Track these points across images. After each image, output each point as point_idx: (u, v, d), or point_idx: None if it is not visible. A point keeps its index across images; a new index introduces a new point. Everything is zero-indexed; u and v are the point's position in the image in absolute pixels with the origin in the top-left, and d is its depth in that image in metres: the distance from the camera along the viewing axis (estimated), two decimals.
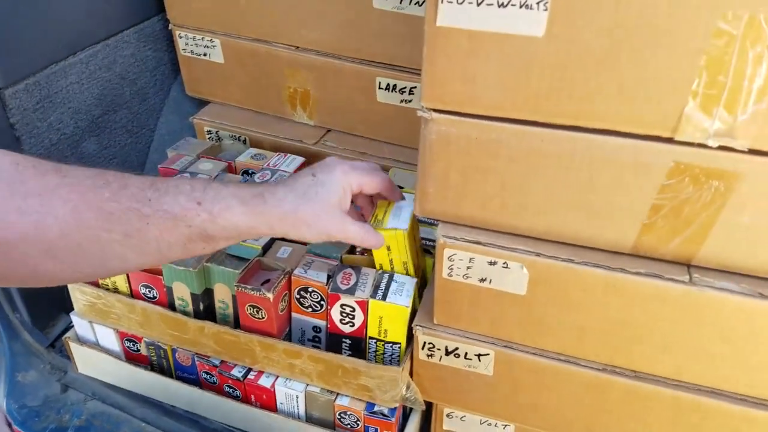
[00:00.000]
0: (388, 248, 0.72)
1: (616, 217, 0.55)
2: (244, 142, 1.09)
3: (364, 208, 0.73)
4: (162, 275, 0.80)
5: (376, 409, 0.76)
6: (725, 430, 0.62)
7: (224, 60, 1.06)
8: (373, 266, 0.75)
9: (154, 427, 0.91)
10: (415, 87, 0.93)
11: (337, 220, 0.61)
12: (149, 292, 0.83)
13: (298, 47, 0.99)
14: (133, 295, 0.85)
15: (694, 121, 0.48)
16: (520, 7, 0.47)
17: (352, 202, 0.66)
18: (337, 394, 0.78)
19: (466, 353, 0.69)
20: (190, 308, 0.81)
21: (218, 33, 1.04)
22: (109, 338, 0.91)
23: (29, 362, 1.01)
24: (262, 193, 0.58)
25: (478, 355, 0.68)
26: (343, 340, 0.75)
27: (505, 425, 0.76)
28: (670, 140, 0.50)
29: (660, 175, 0.52)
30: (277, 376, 0.81)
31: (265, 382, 0.81)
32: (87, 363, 0.95)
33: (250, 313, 0.76)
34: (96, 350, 0.92)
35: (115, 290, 0.85)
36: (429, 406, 0.79)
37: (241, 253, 0.79)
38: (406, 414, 0.82)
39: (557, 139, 0.53)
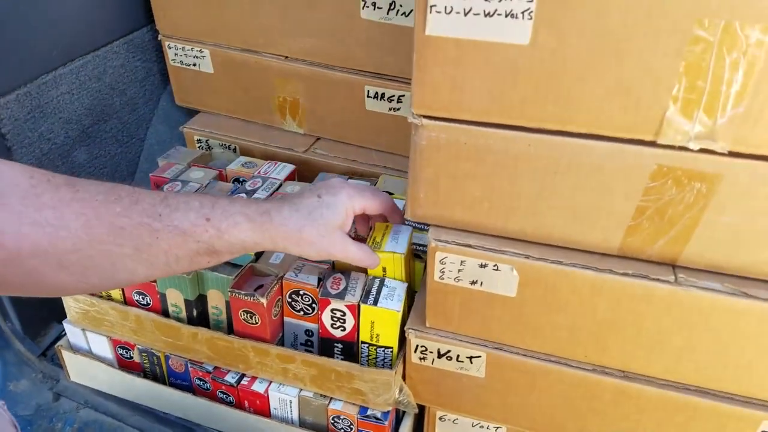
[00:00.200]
0: (384, 270, 0.74)
1: (602, 219, 0.56)
2: (234, 150, 1.09)
3: (359, 225, 0.75)
4: (155, 282, 0.80)
5: (369, 412, 0.76)
6: (713, 429, 0.63)
7: (213, 70, 1.07)
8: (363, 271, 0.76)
9: None
10: (403, 95, 0.94)
11: (339, 241, 0.63)
12: (143, 299, 0.83)
13: (287, 57, 1.00)
14: (126, 302, 0.85)
15: (675, 125, 0.50)
16: (506, 16, 0.49)
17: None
18: (331, 398, 0.79)
19: (458, 356, 0.70)
20: (183, 314, 0.82)
21: (207, 43, 1.05)
22: (101, 346, 0.92)
23: (21, 371, 1.01)
24: (269, 211, 0.59)
25: (470, 358, 0.69)
26: (335, 344, 0.76)
27: (497, 427, 0.77)
28: (652, 144, 0.51)
29: (644, 177, 0.53)
30: (271, 382, 0.81)
31: (258, 387, 0.81)
32: (79, 371, 0.95)
33: (244, 319, 0.76)
34: (89, 358, 0.92)
35: (109, 298, 0.85)
36: (422, 409, 0.80)
37: (234, 260, 0.79)
38: (399, 417, 0.83)
39: (544, 143, 0.54)
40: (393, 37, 0.89)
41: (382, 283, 0.73)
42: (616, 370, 0.65)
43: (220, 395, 0.86)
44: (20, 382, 1.00)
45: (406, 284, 0.73)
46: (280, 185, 0.93)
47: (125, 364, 0.92)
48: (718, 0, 0.44)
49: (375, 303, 0.70)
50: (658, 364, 0.62)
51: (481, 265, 0.62)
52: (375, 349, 0.74)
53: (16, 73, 0.90)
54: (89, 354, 0.93)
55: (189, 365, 0.86)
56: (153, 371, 0.91)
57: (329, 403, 0.78)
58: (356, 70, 0.96)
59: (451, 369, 0.71)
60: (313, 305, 0.75)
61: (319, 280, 0.74)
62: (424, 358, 0.72)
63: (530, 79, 0.51)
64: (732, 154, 0.50)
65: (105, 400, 0.94)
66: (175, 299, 0.81)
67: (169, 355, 0.86)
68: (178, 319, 0.82)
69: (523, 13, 0.48)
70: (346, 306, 0.72)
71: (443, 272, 0.64)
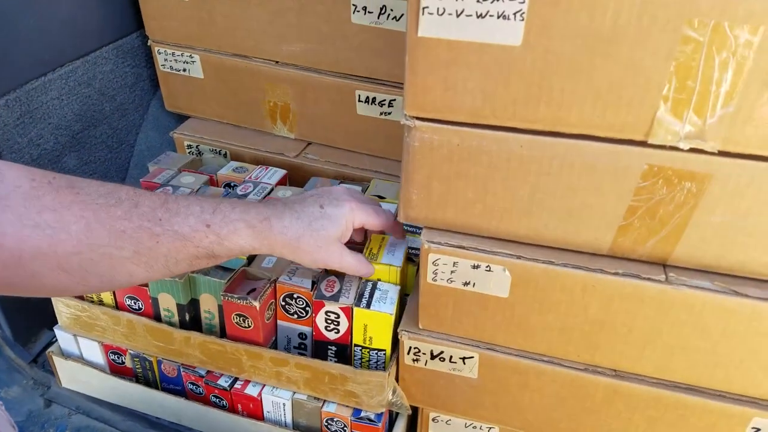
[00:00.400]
0: (379, 281, 0.73)
1: (594, 219, 0.56)
2: (225, 155, 1.08)
3: (356, 235, 0.74)
4: (147, 287, 0.79)
5: (362, 414, 0.75)
6: (704, 426, 0.63)
7: (203, 75, 1.06)
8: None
9: None
10: (395, 99, 0.94)
11: (336, 252, 0.63)
12: (134, 303, 0.81)
13: (277, 62, 0.99)
14: (118, 306, 0.83)
15: (665, 125, 0.49)
16: (498, 17, 0.48)
17: None
18: (324, 400, 0.77)
19: (450, 356, 0.69)
20: (176, 319, 0.80)
21: (197, 48, 1.04)
22: (93, 351, 0.90)
23: (12, 378, 0.99)
24: (269, 218, 0.59)
25: (463, 358, 0.68)
26: (329, 347, 0.74)
27: (490, 427, 0.76)
28: (643, 144, 0.51)
29: (635, 177, 0.53)
30: (264, 385, 0.80)
31: (251, 390, 0.80)
32: (71, 377, 0.93)
33: (237, 322, 0.75)
34: (80, 364, 0.90)
35: (100, 302, 0.83)
36: (415, 410, 0.79)
37: (226, 263, 0.78)
38: (393, 419, 0.82)
39: (536, 144, 0.53)
40: (384, 41, 0.88)
41: (374, 287, 0.72)
42: (607, 369, 0.64)
43: (213, 399, 0.84)
44: (11, 388, 0.98)
45: (398, 287, 0.72)
46: (272, 190, 0.92)
47: (117, 370, 0.90)
48: (708, 0, 0.43)
49: (368, 306, 0.69)
50: (649, 363, 0.62)
51: (474, 266, 0.61)
52: (368, 352, 0.73)
53: (5, 79, 0.88)
54: (81, 360, 0.91)
55: (181, 370, 0.84)
56: (145, 376, 0.89)
57: (323, 405, 0.77)
58: (347, 75, 0.95)
59: (444, 370, 0.70)
60: (307, 308, 0.73)
61: (313, 283, 0.73)
62: (417, 360, 0.71)
63: (522, 80, 0.50)
64: (722, 154, 0.49)
65: (97, 406, 0.92)
66: (168, 304, 0.79)
67: (161, 359, 0.85)
68: (171, 324, 0.80)
69: (514, 14, 0.47)
70: (340, 308, 0.71)
71: (436, 273, 0.63)
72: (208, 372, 0.82)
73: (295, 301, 0.73)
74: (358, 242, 0.76)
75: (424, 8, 0.48)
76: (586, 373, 0.64)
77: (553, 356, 0.65)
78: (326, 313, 0.72)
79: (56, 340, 0.91)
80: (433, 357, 0.70)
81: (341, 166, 1.01)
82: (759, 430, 0.61)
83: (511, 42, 0.49)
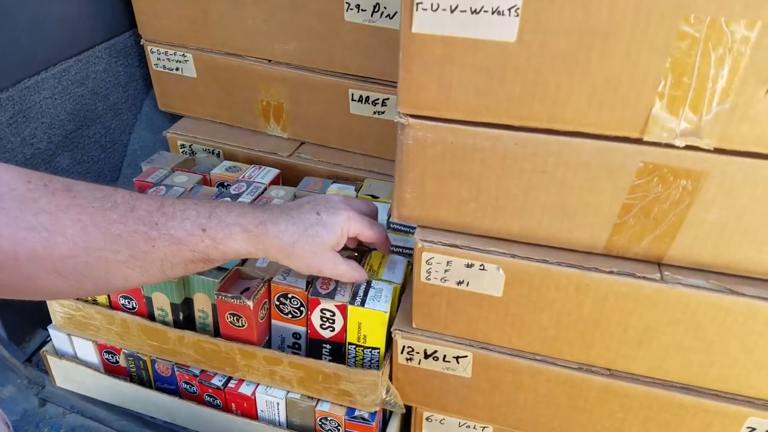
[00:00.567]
0: (374, 280, 0.72)
1: (588, 217, 0.54)
2: (218, 155, 1.06)
3: (348, 242, 0.71)
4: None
5: (356, 413, 0.74)
6: (699, 426, 0.61)
7: (197, 74, 1.04)
8: None
9: None
10: (388, 98, 0.92)
11: (330, 259, 0.63)
12: (128, 302, 0.80)
13: (270, 60, 0.97)
14: (112, 306, 0.81)
15: (661, 122, 0.48)
16: (493, 13, 0.46)
17: None
18: (318, 399, 0.75)
19: (444, 356, 0.67)
20: (169, 318, 0.78)
21: (190, 48, 1.02)
22: (87, 351, 0.88)
23: (6, 377, 0.97)
24: (265, 223, 0.58)
25: (457, 358, 0.67)
26: (324, 345, 0.73)
27: (484, 427, 0.74)
28: (638, 141, 0.50)
29: (630, 175, 0.51)
30: (258, 384, 0.78)
31: (245, 390, 0.78)
32: (65, 376, 0.91)
33: (230, 322, 0.73)
34: (74, 363, 0.88)
35: (94, 302, 0.82)
36: (409, 409, 0.77)
37: None
38: (386, 418, 0.80)
39: (530, 142, 0.52)
40: (377, 40, 0.86)
41: (369, 285, 0.70)
42: (602, 368, 0.62)
43: (207, 398, 0.82)
44: (5, 388, 0.96)
45: (393, 285, 0.70)
46: (265, 189, 0.90)
47: (111, 369, 0.88)
48: None
49: (362, 304, 0.68)
50: (643, 362, 0.60)
51: (468, 265, 0.59)
52: (362, 350, 0.71)
53: None
54: (75, 359, 0.89)
55: (175, 369, 0.82)
56: (139, 375, 0.87)
57: (316, 404, 0.75)
58: (340, 74, 0.93)
59: (437, 369, 0.69)
60: (302, 308, 0.72)
61: (308, 283, 0.71)
62: (410, 359, 0.69)
63: (517, 77, 0.49)
64: (717, 151, 0.48)
65: (92, 405, 0.90)
66: (161, 303, 0.77)
67: (155, 359, 0.83)
68: (165, 323, 0.78)
69: (509, 9, 0.46)
70: (336, 306, 0.69)
71: (429, 273, 0.61)
72: (202, 371, 0.81)
73: (290, 301, 0.72)
74: (350, 249, 0.74)
75: (417, 4, 0.47)
76: (580, 373, 0.62)
77: (547, 355, 0.64)
78: (321, 310, 0.70)
79: (50, 339, 0.89)
80: (426, 356, 0.68)
81: (334, 166, 0.99)
82: (754, 429, 0.59)
83: (505, 38, 0.47)
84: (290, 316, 0.73)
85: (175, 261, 0.54)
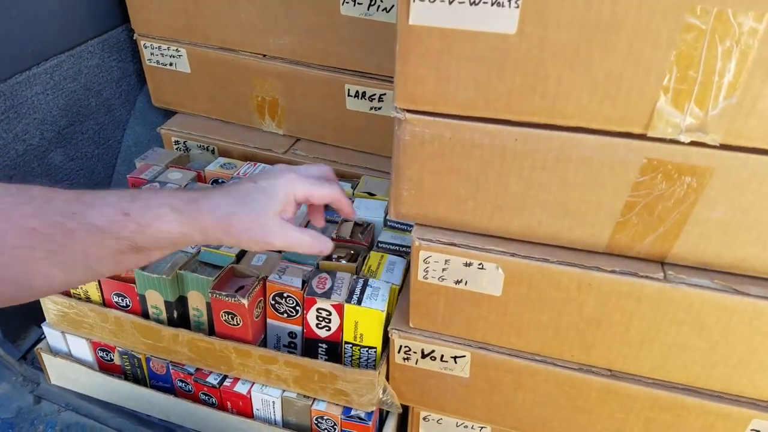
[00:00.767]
0: (371, 278, 0.70)
1: (590, 215, 0.52)
2: (213, 152, 1.03)
3: (313, 217, 0.65)
4: (135, 283, 0.74)
5: (352, 413, 0.71)
6: (702, 427, 0.59)
7: (190, 70, 1.01)
8: (350, 272, 0.71)
9: None
10: (385, 94, 0.89)
11: (277, 227, 0.54)
12: (122, 300, 0.77)
13: (265, 55, 0.94)
14: (105, 303, 0.79)
15: (665, 117, 0.46)
16: (492, 4, 0.44)
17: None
18: (314, 399, 0.73)
19: (442, 356, 0.65)
20: (164, 316, 0.76)
21: (183, 42, 0.99)
22: (81, 348, 0.85)
23: (1, 375, 0.95)
24: (197, 199, 0.52)
25: (454, 358, 0.64)
26: (320, 344, 0.71)
27: (482, 427, 0.72)
28: (642, 137, 0.47)
29: (633, 171, 0.49)
30: (253, 383, 0.75)
31: (241, 388, 0.76)
32: (60, 374, 0.89)
33: (225, 320, 0.71)
34: (69, 361, 0.85)
35: (87, 299, 0.79)
36: (405, 409, 0.75)
37: (215, 261, 0.74)
38: (383, 417, 0.78)
39: (531, 137, 0.50)
40: (374, 34, 0.84)
41: (366, 283, 0.68)
42: (602, 369, 0.60)
43: (203, 397, 0.80)
44: (0, 385, 0.94)
45: (390, 284, 0.68)
46: None
47: (106, 367, 0.86)
48: None
49: (359, 303, 0.65)
50: (645, 363, 0.58)
51: (466, 263, 0.57)
52: (359, 350, 0.69)
53: None
54: (69, 357, 0.86)
55: (170, 367, 0.80)
56: (134, 373, 0.85)
57: (312, 403, 0.73)
58: (336, 69, 0.90)
59: (435, 369, 0.66)
60: (297, 308, 0.69)
61: (304, 282, 0.69)
62: (407, 359, 0.67)
63: (517, 70, 0.47)
64: (723, 147, 0.46)
65: (87, 403, 0.88)
66: (155, 301, 0.75)
67: (150, 357, 0.81)
68: (159, 321, 0.76)
69: (509, 1, 0.43)
70: (332, 305, 0.67)
71: (427, 271, 0.59)
72: (197, 369, 0.78)
73: (285, 300, 0.69)
74: (318, 226, 0.68)
75: None
76: (580, 373, 0.60)
77: (547, 355, 0.61)
78: (317, 310, 0.68)
79: (45, 336, 0.87)
80: (424, 356, 0.66)
81: (330, 163, 0.96)
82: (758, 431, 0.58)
83: (505, 30, 0.45)
84: (286, 315, 0.71)
85: (101, 254, 0.48)
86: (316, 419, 0.73)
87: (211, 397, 0.79)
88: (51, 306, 0.81)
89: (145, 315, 0.77)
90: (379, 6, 0.80)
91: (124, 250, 0.49)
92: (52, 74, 0.92)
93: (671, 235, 0.51)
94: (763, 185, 0.47)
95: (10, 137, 0.88)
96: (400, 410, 0.73)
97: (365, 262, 0.72)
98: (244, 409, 0.77)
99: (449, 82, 0.48)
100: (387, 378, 0.70)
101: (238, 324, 0.71)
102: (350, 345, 0.69)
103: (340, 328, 0.68)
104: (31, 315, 0.95)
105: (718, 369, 0.56)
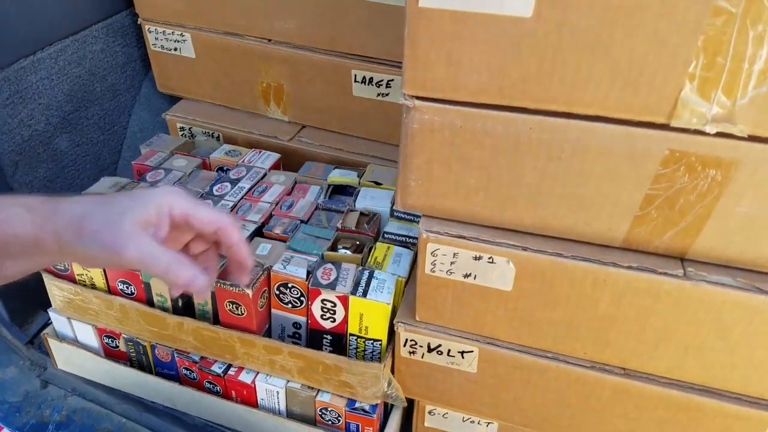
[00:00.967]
0: (376, 270, 0.67)
1: (607, 208, 0.49)
2: (218, 138, 1.00)
3: (195, 243, 0.50)
4: (139, 271, 0.72)
5: (357, 405, 0.69)
6: (718, 430, 0.56)
7: (195, 55, 0.97)
8: (355, 263, 0.67)
9: (135, 422, 0.84)
10: (393, 80, 0.85)
11: (133, 236, 0.42)
12: (127, 288, 0.75)
13: (270, 40, 0.90)
14: (110, 290, 0.76)
15: (690, 106, 0.42)
16: None
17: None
18: (318, 390, 0.70)
19: (449, 350, 0.62)
20: (168, 304, 0.74)
21: (188, 26, 0.95)
22: (87, 334, 0.83)
23: (9, 359, 0.93)
24: (57, 199, 0.44)
25: (462, 352, 0.61)
26: (324, 336, 0.68)
27: (489, 423, 0.69)
28: (665, 126, 0.44)
29: (654, 163, 0.45)
30: (258, 372, 0.73)
31: (245, 377, 0.74)
32: (66, 359, 0.87)
33: (230, 310, 0.68)
34: (75, 347, 0.83)
35: (93, 286, 0.76)
36: (411, 402, 0.72)
37: (220, 250, 0.70)
38: (388, 410, 0.75)
39: (546, 126, 0.46)
40: (382, 17, 0.79)
41: (371, 275, 0.65)
42: (616, 368, 0.57)
43: (207, 385, 0.77)
44: (8, 369, 0.93)
45: (396, 276, 0.65)
46: (265, 174, 0.84)
47: (111, 353, 0.84)
48: None
49: (364, 295, 0.62)
50: (661, 362, 0.54)
51: (476, 257, 0.54)
52: (364, 342, 0.66)
53: None
54: (75, 342, 0.84)
55: (175, 355, 0.77)
56: (139, 360, 0.82)
57: (317, 394, 0.70)
58: (342, 53, 0.86)
59: (441, 363, 0.63)
60: (302, 298, 0.66)
61: (308, 272, 0.65)
62: (413, 352, 0.64)
63: (533, 56, 0.43)
64: (752, 138, 0.42)
65: (93, 388, 0.87)
66: (160, 289, 0.73)
67: (155, 344, 0.78)
68: (164, 309, 0.74)
69: None
70: (336, 297, 0.64)
71: (434, 264, 0.56)
72: (202, 358, 0.76)
73: (290, 291, 0.66)
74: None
75: None
76: (593, 371, 0.57)
77: (558, 353, 0.58)
78: (322, 301, 0.65)
79: (51, 321, 0.85)
80: (430, 350, 0.62)
81: (336, 151, 0.92)
82: None
83: (521, 13, 0.41)
84: (290, 305, 0.68)
85: None
86: (320, 410, 0.71)
87: (216, 385, 0.76)
88: (57, 292, 0.79)
89: (150, 303, 0.74)
90: None
91: None
92: (57, 59, 0.89)
93: (693, 230, 0.47)
94: None
95: (15, 123, 0.85)
96: (405, 404, 0.70)
97: (371, 253, 0.69)
98: (248, 398, 0.75)
99: (461, 68, 0.45)
100: (392, 371, 0.68)
101: (243, 314, 0.68)
102: (355, 337, 0.66)
103: (345, 319, 0.65)
104: (37, 299, 0.93)
105: (737, 370, 0.52)
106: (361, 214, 0.76)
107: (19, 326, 0.93)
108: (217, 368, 0.75)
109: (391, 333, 0.65)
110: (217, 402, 0.77)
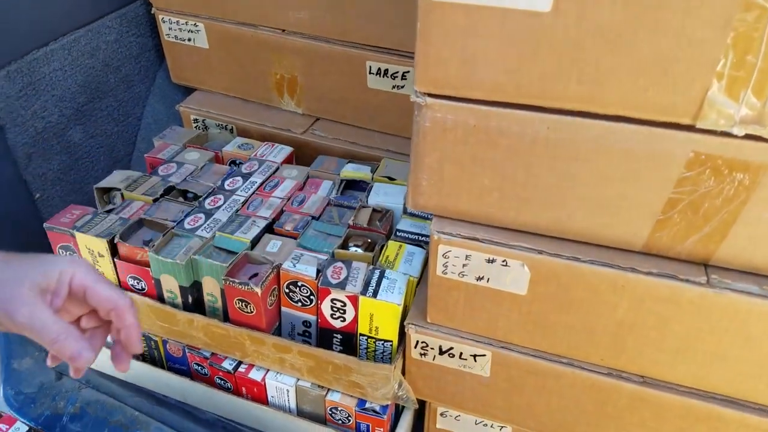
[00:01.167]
0: (387, 269, 0.66)
1: (627, 212, 0.47)
2: (231, 131, 0.99)
3: (94, 337, 0.50)
4: (149, 267, 0.71)
5: (367, 405, 0.68)
6: None
7: (209, 45, 0.96)
8: (366, 261, 0.66)
9: (147, 415, 0.84)
10: (408, 72, 0.83)
11: (29, 302, 0.42)
12: (137, 283, 0.74)
13: (284, 30, 0.88)
14: (121, 286, 0.76)
15: (717, 107, 0.40)
16: None
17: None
18: (329, 389, 0.70)
19: (461, 353, 0.60)
20: (179, 300, 0.73)
21: (202, 16, 0.94)
22: None
23: (24, 350, 0.94)
24: None
25: (474, 356, 0.60)
26: (335, 335, 0.67)
27: (502, 426, 0.68)
28: (690, 128, 0.42)
29: (678, 166, 0.43)
30: (268, 370, 0.72)
31: (255, 375, 0.73)
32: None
33: (239, 307, 0.68)
34: None
35: None
36: (422, 403, 0.71)
37: (230, 246, 0.70)
38: (399, 411, 0.74)
39: (565, 126, 0.44)
40: (397, 7, 0.77)
41: (382, 275, 0.64)
42: (634, 375, 0.55)
43: (218, 381, 0.77)
44: (23, 360, 0.93)
45: (407, 276, 0.64)
46: (277, 169, 0.83)
47: None
48: None
49: (374, 295, 0.61)
50: (682, 371, 0.52)
51: (489, 260, 0.52)
52: (374, 342, 0.65)
53: (6, 49, 0.80)
54: None
55: (186, 350, 0.77)
56: (151, 355, 0.83)
57: (327, 394, 0.70)
58: (357, 44, 0.84)
59: (453, 366, 0.62)
60: (311, 297, 0.65)
61: (318, 271, 0.65)
62: (424, 354, 0.63)
63: (551, 52, 0.41)
64: None
65: (106, 381, 0.87)
66: (170, 285, 0.72)
67: (166, 339, 0.78)
68: (174, 305, 0.73)
69: None
70: (346, 296, 0.63)
71: (446, 266, 0.54)
72: (213, 354, 0.76)
73: (299, 289, 0.65)
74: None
75: None
76: (610, 378, 0.55)
77: (574, 358, 0.56)
78: (332, 300, 0.64)
79: None
80: (441, 352, 0.61)
81: (350, 144, 0.91)
82: None
83: (539, 7, 0.40)
84: (300, 304, 0.67)
85: None
86: (330, 410, 0.70)
87: (227, 381, 0.76)
88: None
89: (161, 299, 0.74)
90: None
91: None
92: (70, 50, 0.89)
93: (717, 236, 0.45)
94: None
95: (28, 114, 0.85)
96: (416, 406, 0.69)
97: (383, 251, 0.68)
98: (258, 395, 0.75)
99: (475, 65, 0.43)
100: (403, 372, 0.66)
101: (252, 312, 0.67)
102: (365, 337, 0.65)
103: (355, 319, 0.64)
104: None
105: (762, 381, 0.50)
106: (374, 210, 0.75)
107: None
108: (227, 365, 0.74)
109: (403, 333, 0.64)
110: (228, 398, 0.76)
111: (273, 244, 0.70)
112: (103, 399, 0.87)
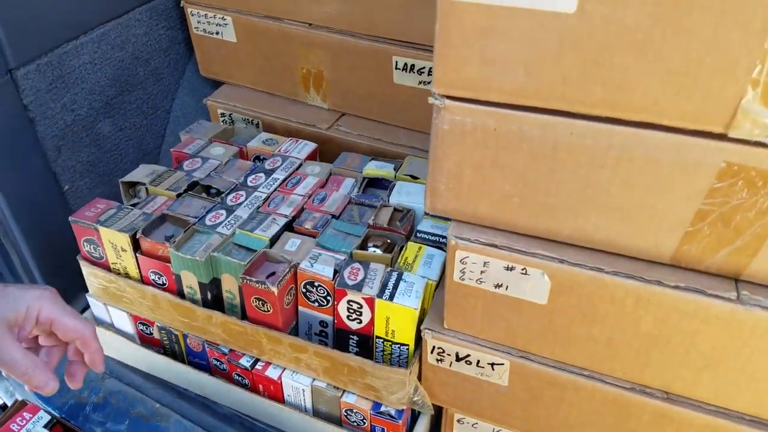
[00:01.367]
0: (405, 272, 0.65)
1: (654, 222, 0.45)
2: (257, 125, 0.99)
3: (50, 354, 0.55)
4: (170, 263, 0.72)
5: (383, 409, 0.68)
6: None
7: (236, 39, 0.96)
8: (385, 263, 0.66)
9: (168, 407, 0.85)
10: None
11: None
12: (159, 278, 0.76)
13: (311, 24, 0.88)
14: (143, 280, 0.77)
15: (752, 116, 0.38)
16: None
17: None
18: (344, 390, 0.70)
19: (478, 361, 0.59)
20: (198, 297, 0.74)
21: (229, 10, 0.94)
22: (123, 321, 0.85)
23: None
24: None
25: (492, 364, 0.59)
26: (351, 336, 0.67)
27: None
28: (722, 137, 0.40)
29: (709, 176, 0.41)
30: (284, 368, 0.73)
31: (272, 373, 0.74)
32: (104, 343, 0.86)
33: (256, 306, 0.68)
34: (111, 332, 0.85)
35: (126, 275, 0.78)
36: (439, 408, 0.70)
37: (249, 244, 0.71)
38: (415, 415, 0.74)
39: (589, 131, 0.43)
40: (424, 1, 0.76)
41: (400, 277, 0.63)
42: (658, 391, 0.53)
43: (236, 377, 0.78)
44: None
45: (426, 279, 0.63)
46: (300, 165, 0.84)
47: (146, 340, 0.85)
48: None
49: (391, 298, 0.61)
50: (708, 388, 0.50)
51: (508, 267, 0.51)
52: (390, 345, 0.65)
53: (36, 43, 0.82)
54: (112, 327, 0.87)
55: (206, 345, 0.78)
56: (172, 348, 0.84)
57: (342, 395, 0.70)
58: (384, 39, 0.83)
59: (470, 374, 0.61)
60: (328, 297, 0.65)
61: (335, 271, 0.65)
62: (441, 360, 0.62)
63: (575, 55, 0.40)
64: None
65: (129, 372, 0.89)
66: (190, 281, 0.73)
67: (186, 333, 0.79)
68: (194, 301, 0.74)
69: None
70: (363, 299, 0.63)
71: (464, 273, 0.53)
72: (231, 350, 0.76)
73: (316, 289, 0.66)
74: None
75: None
76: (632, 393, 0.54)
77: (595, 371, 0.55)
78: (348, 302, 0.64)
79: (89, 306, 0.87)
80: (458, 359, 0.60)
81: (375, 140, 0.90)
82: None
83: (563, 8, 0.38)
84: (317, 304, 0.67)
85: None
86: (346, 411, 0.70)
87: (244, 378, 0.77)
88: (93, 279, 0.80)
89: (181, 294, 0.75)
90: None
91: None
92: (99, 43, 0.90)
93: (749, 250, 0.43)
94: None
95: (58, 107, 0.87)
96: (432, 412, 0.68)
97: (402, 253, 0.67)
98: (275, 393, 0.75)
99: (495, 66, 0.42)
100: (419, 377, 0.66)
101: (269, 310, 0.68)
102: (381, 340, 0.65)
103: (372, 321, 0.64)
104: (80, 281, 0.96)
105: None
106: (395, 210, 0.74)
107: None
108: (245, 361, 0.75)
109: (420, 337, 0.64)
110: (245, 395, 0.77)
111: (292, 243, 0.71)
112: (126, 390, 0.89)
